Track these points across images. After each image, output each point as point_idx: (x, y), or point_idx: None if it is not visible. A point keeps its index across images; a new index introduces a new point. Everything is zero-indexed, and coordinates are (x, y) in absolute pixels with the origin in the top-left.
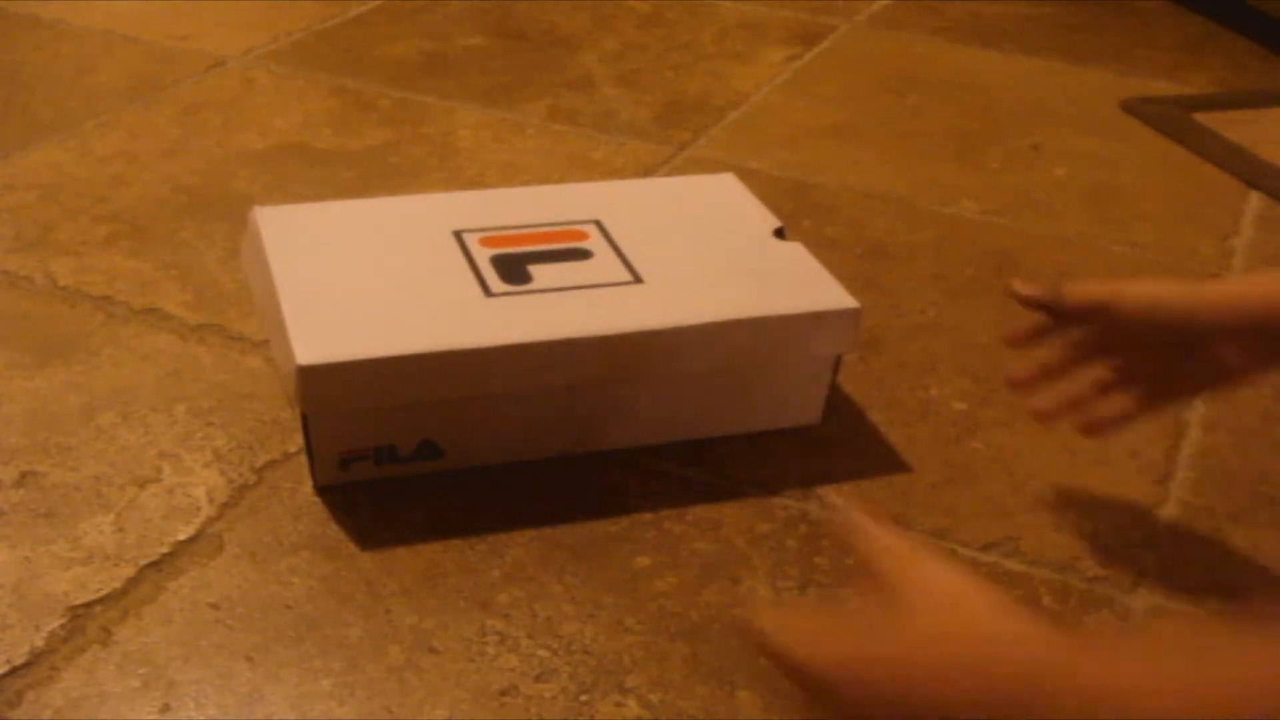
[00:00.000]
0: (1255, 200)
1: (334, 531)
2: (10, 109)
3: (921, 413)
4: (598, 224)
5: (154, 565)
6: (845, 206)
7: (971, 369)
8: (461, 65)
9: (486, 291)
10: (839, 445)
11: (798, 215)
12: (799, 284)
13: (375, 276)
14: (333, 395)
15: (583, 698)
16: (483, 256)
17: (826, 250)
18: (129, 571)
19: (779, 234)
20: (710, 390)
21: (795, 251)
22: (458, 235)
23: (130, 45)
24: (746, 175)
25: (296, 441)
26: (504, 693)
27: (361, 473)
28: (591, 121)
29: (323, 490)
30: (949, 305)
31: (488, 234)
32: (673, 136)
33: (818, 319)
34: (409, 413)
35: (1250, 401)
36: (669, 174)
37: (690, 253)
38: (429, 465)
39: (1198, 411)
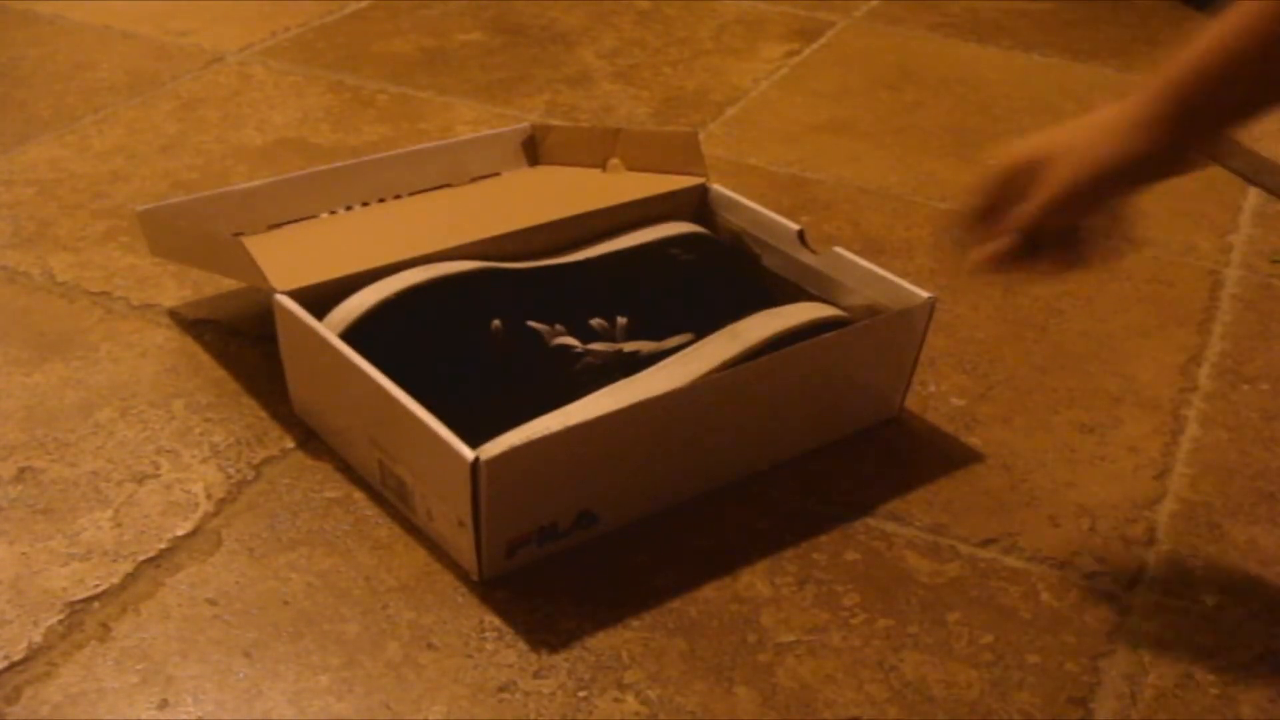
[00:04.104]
0: (1253, 196)
1: (332, 527)
2: (8, 105)
3: (920, 409)
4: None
5: (152, 561)
6: (843, 202)
7: (969, 365)
8: (460, 60)
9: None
10: (838, 442)
11: (796, 211)
12: (866, 286)
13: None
14: (510, 484)
15: (581, 694)
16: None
17: (824, 246)
18: (127, 567)
19: (800, 237)
20: (807, 405)
21: (836, 256)
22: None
23: (128, 41)
24: (745, 171)
25: (295, 437)
26: (502, 689)
27: (525, 557)
28: (590, 117)
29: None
30: (947, 301)
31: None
32: None
33: (900, 317)
34: (569, 486)
35: (1249, 398)
36: None
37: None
38: (585, 534)
39: (1196, 408)
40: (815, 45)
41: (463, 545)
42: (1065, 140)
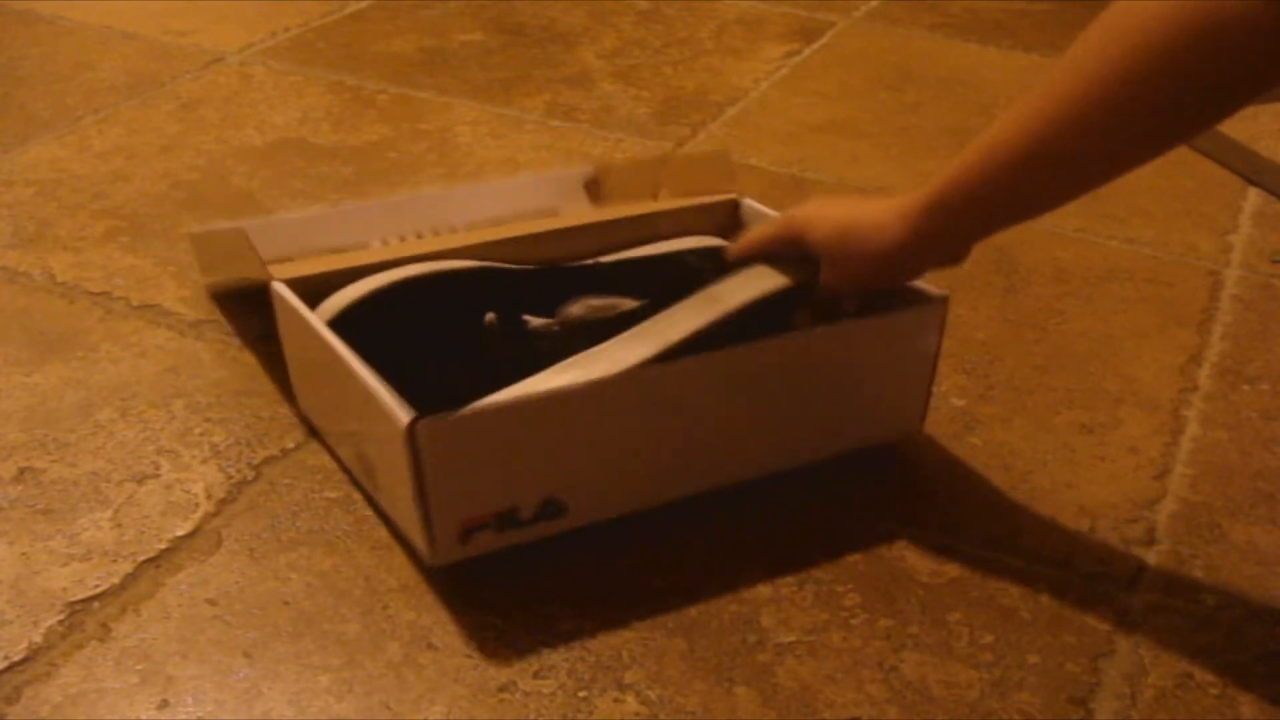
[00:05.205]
0: (1253, 196)
1: (332, 527)
2: (8, 105)
3: None
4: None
5: (152, 561)
6: None
7: (970, 365)
8: (460, 61)
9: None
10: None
11: None
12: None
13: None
14: (456, 456)
15: (581, 694)
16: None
17: None
18: (127, 568)
19: None
20: (812, 412)
21: None
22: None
23: (128, 41)
24: (745, 171)
25: (295, 438)
26: (502, 689)
27: (482, 545)
28: (590, 117)
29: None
30: None
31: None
32: (671, 132)
33: (909, 317)
34: (530, 466)
35: (1249, 398)
36: None
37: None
38: (552, 526)
39: (1196, 408)
40: (815, 45)
41: (415, 525)
42: (846, 226)
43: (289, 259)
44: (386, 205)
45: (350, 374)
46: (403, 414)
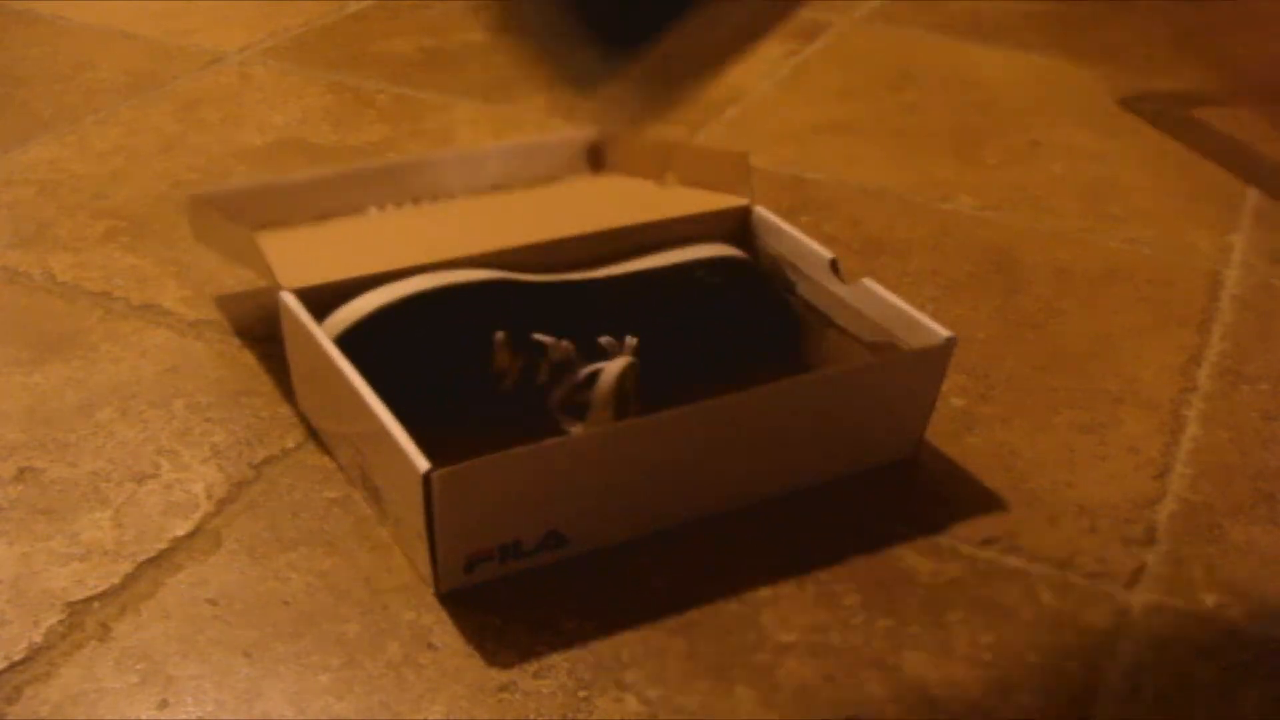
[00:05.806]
0: (1253, 196)
1: (332, 527)
2: (8, 105)
3: None
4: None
5: (152, 561)
6: (843, 202)
7: (969, 365)
8: (460, 60)
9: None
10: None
11: (795, 211)
12: (888, 321)
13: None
14: (466, 500)
15: (581, 694)
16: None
17: (829, 247)
18: (127, 567)
19: (832, 266)
20: (813, 446)
21: (864, 289)
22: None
23: (128, 41)
24: None
25: (295, 438)
26: (502, 689)
27: (486, 574)
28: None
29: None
30: (946, 301)
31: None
32: (670, 133)
33: (917, 357)
34: (535, 505)
35: (1249, 398)
36: None
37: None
38: (553, 555)
39: (1196, 408)
40: (815, 45)
41: (422, 556)
42: None
43: (284, 224)
44: (383, 170)
45: (366, 410)
46: (419, 462)
